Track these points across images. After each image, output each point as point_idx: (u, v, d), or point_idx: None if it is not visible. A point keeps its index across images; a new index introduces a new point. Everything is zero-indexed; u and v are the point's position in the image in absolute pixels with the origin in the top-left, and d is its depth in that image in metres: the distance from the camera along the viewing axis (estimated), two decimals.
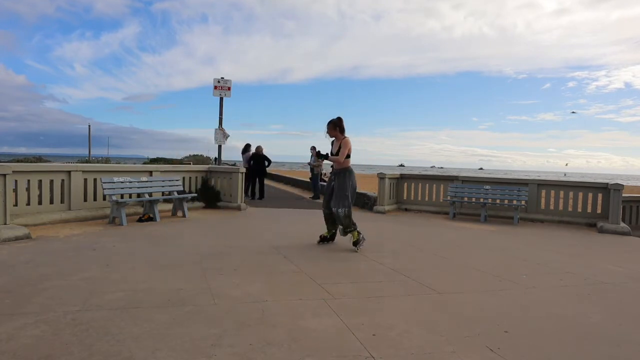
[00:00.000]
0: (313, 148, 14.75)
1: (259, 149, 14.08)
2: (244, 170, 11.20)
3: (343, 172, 6.40)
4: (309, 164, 15.08)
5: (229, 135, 13.33)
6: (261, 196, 13.85)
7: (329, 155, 6.53)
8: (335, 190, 6.39)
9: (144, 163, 31.14)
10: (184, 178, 10.48)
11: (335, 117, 6.44)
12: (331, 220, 6.60)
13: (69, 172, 8.14)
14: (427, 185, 11.96)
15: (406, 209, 11.92)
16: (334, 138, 6.51)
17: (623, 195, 9.50)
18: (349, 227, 6.35)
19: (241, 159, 14.62)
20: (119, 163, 28.77)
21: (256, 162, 13.85)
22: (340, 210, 6.28)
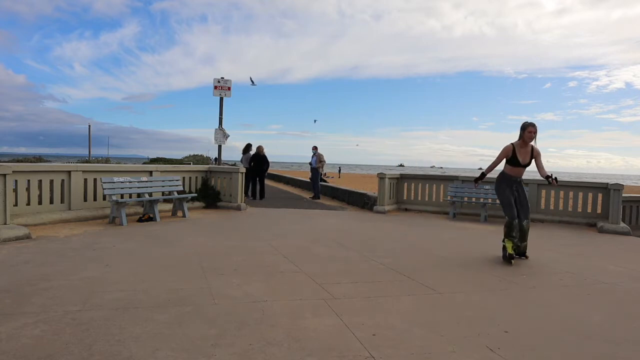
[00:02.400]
0: (315, 148, 14.84)
1: (259, 149, 14.06)
2: (244, 170, 11.21)
3: (521, 180, 6.08)
4: (310, 164, 15.12)
5: (229, 135, 13.34)
6: (261, 196, 13.84)
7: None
8: (521, 200, 5.95)
9: (144, 163, 31.17)
10: (184, 178, 10.48)
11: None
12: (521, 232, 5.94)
13: (69, 172, 8.14)
14: (427, 185, 11.96)
15: (406, 209, 11.92)
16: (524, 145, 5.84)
17: (623, 195, 9.50)
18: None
19: (241, 159, 14.61)
20: (119, 163, 28.79)
21: (257, 163, 13.84)
22: (527, 220, 5.92)
